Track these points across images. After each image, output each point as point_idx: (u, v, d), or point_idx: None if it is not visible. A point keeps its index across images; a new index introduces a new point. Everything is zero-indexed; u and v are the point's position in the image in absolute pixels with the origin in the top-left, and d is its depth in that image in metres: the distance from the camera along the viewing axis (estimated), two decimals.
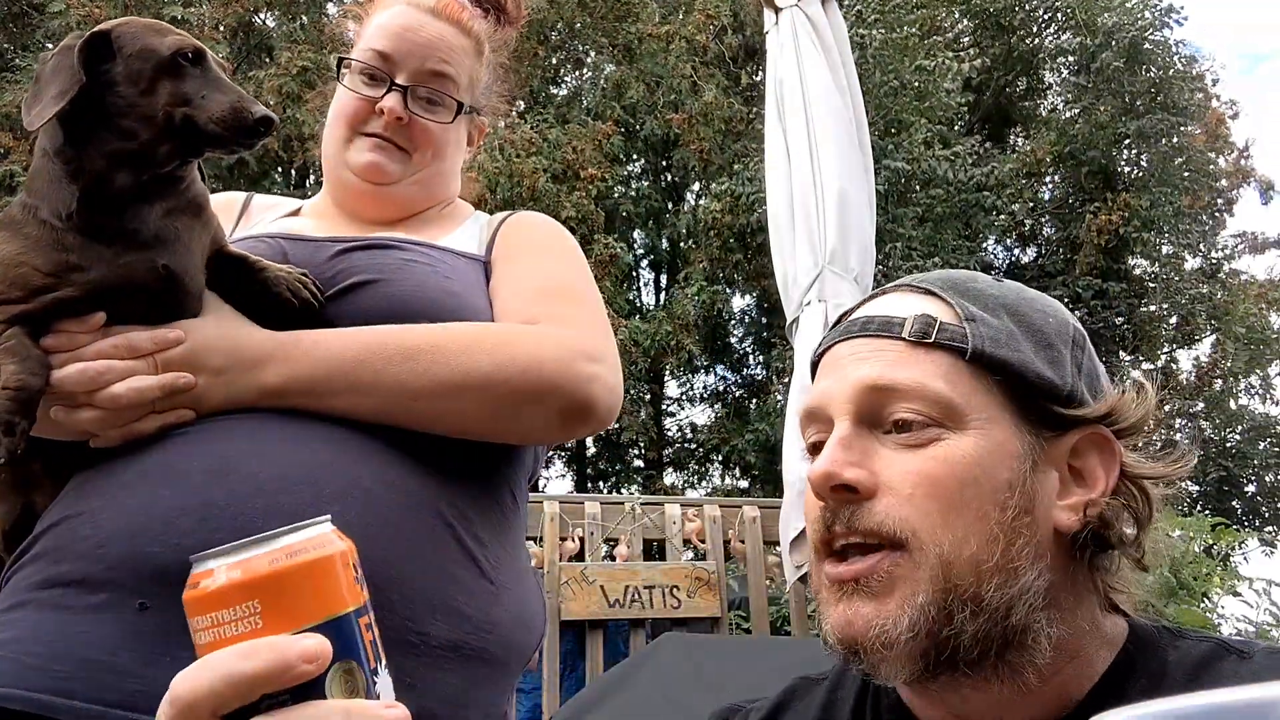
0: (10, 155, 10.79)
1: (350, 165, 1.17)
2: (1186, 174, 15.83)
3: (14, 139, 10.95)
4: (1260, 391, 17.86)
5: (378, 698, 0.47)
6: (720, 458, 15.01)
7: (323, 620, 0.45)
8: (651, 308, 14.86)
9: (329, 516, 0.50)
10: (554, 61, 14.96)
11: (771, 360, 13.90)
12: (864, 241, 3.51)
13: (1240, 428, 17.53)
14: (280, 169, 13.23)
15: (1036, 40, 17.03)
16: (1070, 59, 16.40)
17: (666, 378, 15.40)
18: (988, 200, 13.99)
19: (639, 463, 15.27)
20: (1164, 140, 15.27)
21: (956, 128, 14.29)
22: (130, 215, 0.88)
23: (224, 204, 1.17)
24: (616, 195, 13.76)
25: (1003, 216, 14.65)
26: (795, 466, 3.26)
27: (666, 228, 15.12)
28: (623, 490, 14.80)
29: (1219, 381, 17.29)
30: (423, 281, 1.03)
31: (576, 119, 13.32)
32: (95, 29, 0.90)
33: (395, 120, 1.15)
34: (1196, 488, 16.84)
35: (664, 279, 16.00)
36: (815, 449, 0.77)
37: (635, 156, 15.12)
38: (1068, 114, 16.71)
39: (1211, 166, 16.97)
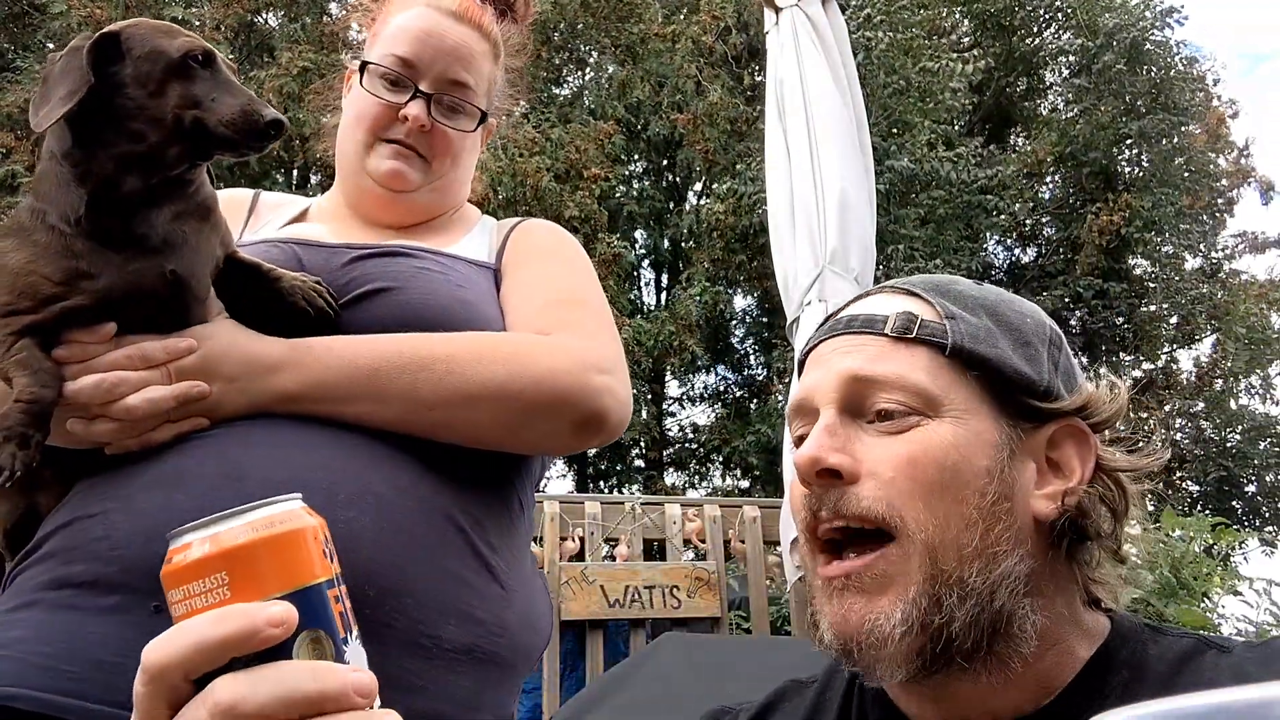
0: (12, 155, 10.80)
1: (371, 172, 1.16)
2: (1187, 174, 15.83)
3: (15, 139, 10.96)
4: (1260, 391, 17.86)
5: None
6: (721, 458, 15.01)
7: (290, 590, 0.46)
8: (653, 307, 14.87)
9: (299, 495, 0.51)
10: (557, 62, 14.96)
11: (772, 361, 13.90)
12: (864, 242, 3.51)
13: (1240, 428, 17.52)
14: (282, 169, 13.23)
15: (1037, 41, 17.03)
16: (1071, 59, 16.40)
17: (668, 377, 15.40)
18: (990, 202, 13.99)
19: (640, 463, 15.26)
20: (1165, 141, 15.27)
21: (957, 127, 14.28)
22: (139, 219, 0.88)
23: (231, 202, 1.16)
24: (619, 195, 13.77)
25: (1004, 217, 14.65)
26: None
27: (669, 227, 15.12)
28: (623, 490, 14.80)
29: (1219, 381, 17.28)
30: (435, 290, 1.03)
31: (579, 119, 13.33)
32: (104, 30, 0.88)
33: (419, 128, 1.14)
34: (1197, 488, 16.86)
35: (666, 279, 16.00)
36: (801, 441, 0.79)
37: (638, 156, 15.13)
38: (1068, 114, 16.71)
39: (1212, 166, 16.97)
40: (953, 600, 0.68)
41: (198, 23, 11.51)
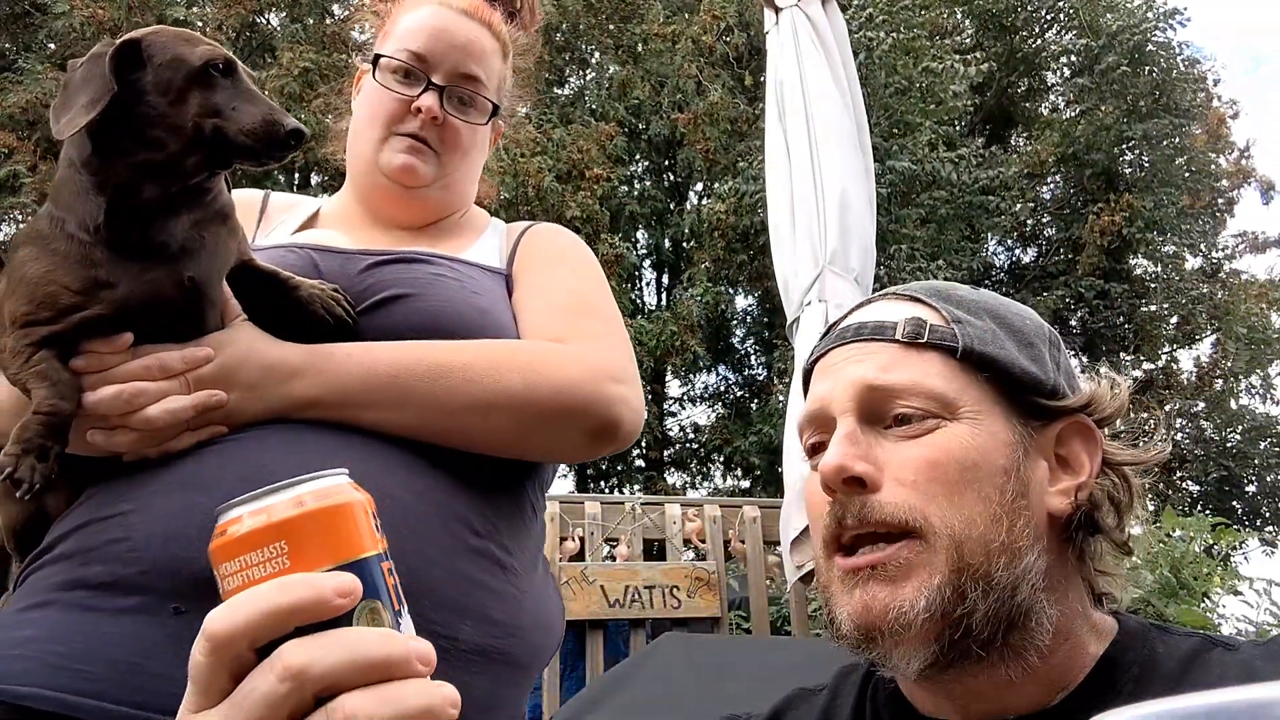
0: (13, 155, 10.80)
1: (384, 167, 1.17)
2: (1188, 174, 15.83)
3: (17, 139, 10.96)
4: (1261, 391, 17.85)
5: None
6: (722, 458, 15.01)
7: (347, 561, 0.47)
8: (654, 307, 14.87)
9: (345, 470, 0.51)
10: (559, 62, 14.96)
11: (773, 361, 13.90)
12: (864, 241, 3.51)
13: (1241, 427, 17.52)
14: (283, 170, 13.22)
15: (1039, 41, 17.02)
16: (1073, 60, 16.39)
17: (669, 377, 15.40)
18: (991, 203, 13.99)
19: (640, 463, 15.26)
20: (1167, 142, 15.26)
21: (959, 127, 14.27)
22: (158, 227, 0.88)
23: (242, 204, 1.15)
24: (621, 195, 13.77)
25: (1005, 218, 14.64)
26: (796, 467, 3.26)
27: (670, 227, 15.12)
28: (624, 490, 14.80)
29: (1219, 381, 17.28)
30: (452, 297, 1.04)
31: (580, 119, 13.33)
32: (125, 38, 0.88)
33: (431, 120, 1.15)
34: (1197, 487, 16.86)
35: (667, 279, 16.00)
36: (815, 450, 0.80)
37: (639, 156, 15.13)
38: (1068, 114, 16.70)
39: (1213, 167, 16.97)
40: (977, 593, 0.69)
41: (200, 23, 11.51)
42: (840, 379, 0.77)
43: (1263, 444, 17.35)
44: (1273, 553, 16.66)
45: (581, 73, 15.79)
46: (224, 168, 0.91)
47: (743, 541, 4.44)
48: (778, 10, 3.81)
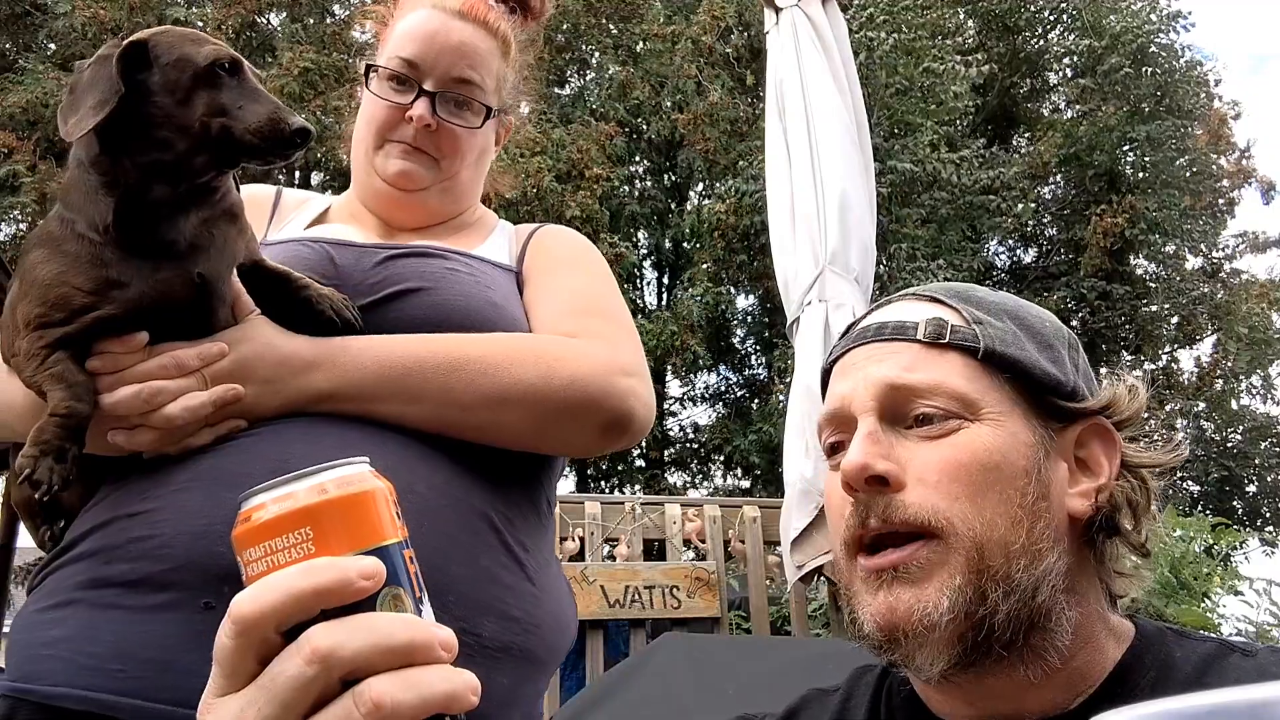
0: (13, 155, 10.80)
1: (380, 173, 1.17)
2: (1190, 175, 15.83)
3: (17, 139, 10.96)
4: (1261, 391, 17.85)
5: None
6: (722, 458, 15.01)
7: (370, 547, 0.47)
8: (655, 307, 14.87)
9: (367, 458, 0.52)
10: (559, 62, 14.96)
11: (774, 361, 13.89)
12: (864, 241, 3.51)
13: (1241, 427, 17.52)
14: (284, 169, 13.24)
15: (1042, 42, 17.02)
16: (1076, 61, 16.38)
17: (669, 377, 15.40)
18: (993, 203, 13.99)
19: (640, 462, 15.26)
20: (1169, 144, 15.25)
21: (960, 127, 14.27)
22: (167, 226, 0.88)
23: (255, 200, 1.17)
24: (621, 195, 13.77)
25: (1007, 218, 14.64)
26: (797, 467, 3.26)
27: (670, 228, 15.12)
28: (624, 490, 14.80)
29: (1220, 381, 17.28)
30: (466, 291, 1.05)
31: (580, 119, 13.33)
32: (132, 38, 0.88)
33: (424, 127, 1.15)
34: (1197, 488, 16.85)
35: (667, 279, 16.00)
36: (834, 449, 0.81)
37: (639, 156, 15.12)
38: (1070, 115, 16.70)
39: (1214, 167, 16.96)
40: (998, 594, 0.69)
41: (200, 23, 11.51)
42: (861, 378, 0.77)
43: (1263, 444, 17.35)
44: (1273, 553, 16.66)
45: (581, 73, 15.78)
46: (231, 167, 0.91)
47: (743, 541, 4.43)
48: (778, 10, 3.81)
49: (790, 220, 3.58)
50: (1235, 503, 17.06)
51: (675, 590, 4.14)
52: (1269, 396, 17.81)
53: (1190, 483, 16.81)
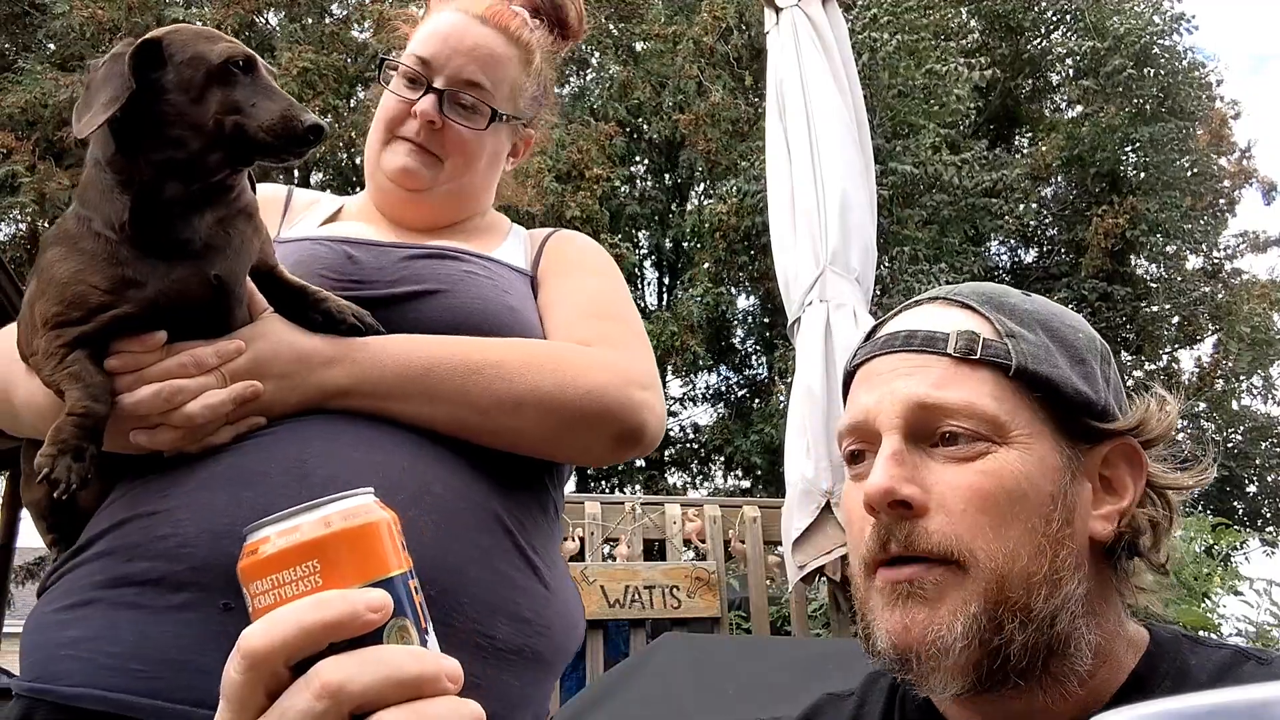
0: (12, 155, 10.79)
1: (384, 168, 1.18)
2: (1191, 175, 15.83)
3: (16, 139, 10.96)
4: (1262, 392, 17.85)
5: None
6: (722, 458, 15.00)
7: (376, 579, 0.47)
8: (655, 308, 14.87)
9: (371, 489, 0.52)
10: (559, 62, 14.96)
11: (774, 361, 13.89)
12: (865, 242, 3.51)
13: (1242, 428, 17.52)
14: (283, 169, 13.24)
15: (1045, 43, 17.01)
16: (1079, 61, 16.37)
17: (669, 377, 15.40)
18: (994, 205, 13.98)
19: (640, 463, 15.26)
20: (1171, 145, 15.25)
21: (962, 128, 14.26)
22: (182, 225, 0.88)
23: (266, 199, 1.17)
24: (621, 195, 13.77)
25: (1008, 220, 14.63)
26: (798, 467, 3.26)
27: (671, 228, 15.12)
28: (624, 490, 14.80)
29: (1220, 382, 17.28)
30: (483, 295, 1.05)
31: (580, 119, 13.33)
32: (146, 36, 0.88)
33: (428, 123, 1.15)
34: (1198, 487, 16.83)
35: (668, 279, 15.99)
36: (855, 457, 0.78)
37: (639, 157, 15.12)
38: (1071, 115, 16.69)
39: (1214, 167, 16.96)
40: (1014, 625, 0.68)
41: (199, 23, 11.51)
42: (888, 392, 0.75)
43: (1264, 444, 17.35)
44: (1273, 553, 16.66)
45: (581, 73, 15.78)
46: (245, 165, 0.91)
47: (743, 541, 4.43)
48: (778, 10, 3.81)
49: (791, 220, 3.58)
50: (1236, 503, 17.05)
51: (675, 590, 4.14)
52: (1269, 397, 17.81)
53: None
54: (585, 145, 12.29)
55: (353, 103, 13.11)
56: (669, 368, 14.22)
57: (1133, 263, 15.99)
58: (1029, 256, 17.34)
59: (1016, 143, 17.27)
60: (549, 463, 1.05)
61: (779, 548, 3.87)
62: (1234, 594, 5.33)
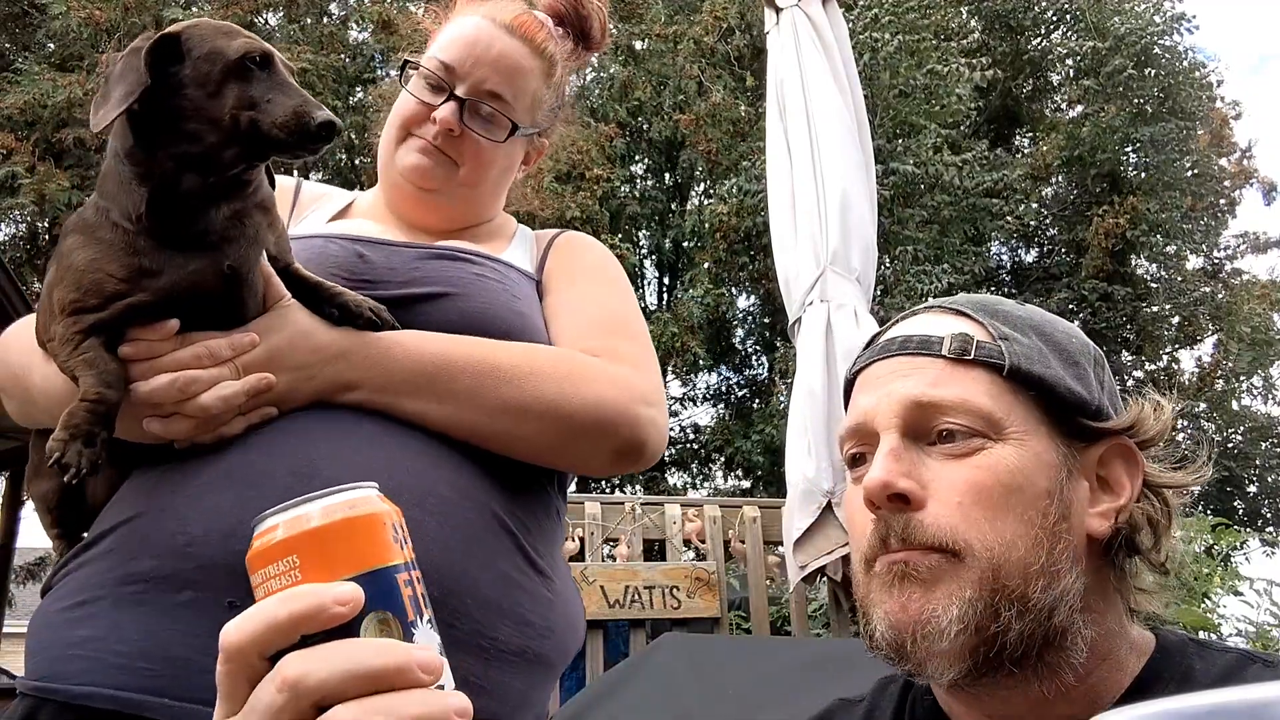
0: (12, 156, 10.79)
1: (398, 165, 1.17)
2: (1191, 175, 15.82)
3: (16, 140, 10.95)
4: (1262, 392, 17.86)
5: None
6: (723, 458, 15.00)
7: (359, 572, 0.48)
8: (655, 308, 14.87)
9: (376, 484, 0.53)
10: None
11: (775, 361, 13.89)
12: (866, 241, 3.51)
13: (1242, 428, 17.52)
14: (282, 166, 13.25)
15: (1045, 42, 17.01)
16: (1080, 61, 16.37)
17: (670, 378, 15.39)
18: (995, 205, 13.98)
19: None
20: (1172, 145, 15.25)
21: (962, 129, 14.26)
22: (197, 217, 0.89)
23: (276, 191, 1.17)
24: (622, 195, 13.76)
25: (1009, 219, 14.63)
26: (799, 467, 3.26)
27: (671, 228, 15.12)
28: (624, 490, 14.80)
29: (1220, 382, 17.28)
30: (493, 299, 1.05)
31: (580, 119, 13.31)
32: (165, 31, 0.89)
33: (447, 130, 1.15)
34: (1198, 488, 16.83)
35: (668, 279, 15.99)
36: (855, 461, 0.80)
37: (639, 157, 15.12)
38: (1072, 115, 16.69)
39: (1215, 168, 16.97)
40: (1011, 614, 0.69)
41: None
42: (885, 393, 0.77)
43: (1264, 444, 17.35)
44: (1273, 553, 16.66)
45: (581, 73, 15.79)
46: (261, 160, 0.91)
47: (743, 541, 4.43)
48: (778, 10, 3.81)
49: (791, 220, 3.58)
50: (1236, 503, 17.06)
51: (675, 590, 4.13)
52: (1270, 397, 17.83)
53: None
54: (585, 145, 12.29)
55: (352, 102, 13.11)
56: (669, 368, 14.22)
57: (1133, 263, 15.99)
58: (1029, 256, 17.35)
59: (1017, 143, 17.27)
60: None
61: (779, 548, 3.86)
62: (1234, 594, 5.33)
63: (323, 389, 0.92)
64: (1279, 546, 16.78)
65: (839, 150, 3.52)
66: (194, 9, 12.24)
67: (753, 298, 15.36)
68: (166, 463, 0.90)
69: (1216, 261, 17.78)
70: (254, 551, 0.49)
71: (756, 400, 15.18)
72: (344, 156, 13.81)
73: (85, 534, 0.94)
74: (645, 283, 16.04)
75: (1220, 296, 16.37)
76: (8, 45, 13.01)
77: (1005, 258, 17.19)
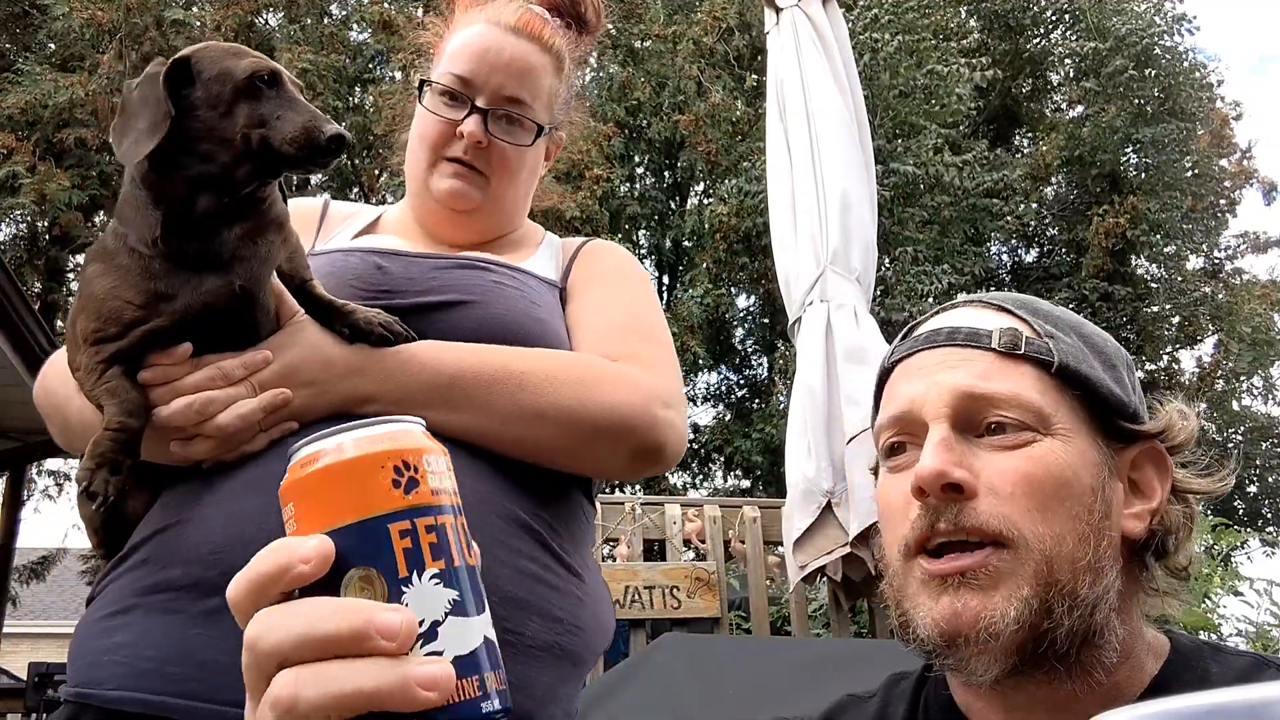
0: (12, 156, 10.79)
1: (433, 191, 1.18)
2: (1191, 175, 15.82)
3: (16, 140, 10.95)
4: (1262, 392, 17.86)
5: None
6: (723, 458, 15.00)
7: (345, 524, 0.44)
8: None
9: (422, 420, 0.51)
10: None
11: (774, 361, 13.89)
12: (866, 241, 3.51)
13: (1243, 428, 17.52)
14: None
15: (1045, 42, 17.00)
16: (1080, 62, 16.37)
17: None
18: (995, 206, 13.97)
19: None
20: (1172, 145, 15.25)
21: (962, 129, 14.26)
22: (210, 238, 0.90)
23: (301, 212, 1.18)
24: (621, 195, 13.76)
25: (1009, 220, 14.63)
26: (799, 467, 3.26)
27: (671, 228, 15.11)
28: (624, 490, 14.80)
29: (1221, 382, 17.28)
30: (511, 307, 1.06)
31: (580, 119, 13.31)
32: (176, 56, 0.91)
33: (475, 144, 1.15)
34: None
35: (668, 279, 15.99)
36: (894, 450, 0.80)
37: (639, 157, 15.12)
38: (1072, 115, 16.69)
39: (1215, 168, 16.97)
40: (1063, 609, 0.69)
41: (198, 24, 11.50)
42: (934, 383, 0.77)
43: (1264, 445, 17.35)
44: (1273, 553, 16.67)
45: (581, 73, 15.79)
46: (274, 177, 0.92)
47: (743, 541, 4.43)
48: (778, 10, 3.81)
49: (791, 220, 3.58)
50: (1236, 503, 17.05)
51: (675, 590, 4.13)
52: (1270, 397, 17.84)
53: None
54: (585, 145, 12.28)
55: (352, 102, 13.10)
56: None
57: (1133, 263, 15.99)
58: (1029, 256, 17.34)
59: (1017, 143, 17.26)
60: None
61: (779, 548, 3.86)
62: (1234, 594, 5.32)
63: (339, 403, 0.93)
64: (1279, 546, 16.78)
65: (839, 150, 3.53)
66: (194, 9, 12.24)
67: (752, 298, 15.35)
68: (196, 476, 0.92)
69: (1216, 261, 17.78)
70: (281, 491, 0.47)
71: (756, 400, 15.18)
72: (344, 158, 13.75)
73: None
74: None
75: (1220, 296, 16.38)
76: (9, 45, 13.01)
77: (1005, 258, 17.20)
